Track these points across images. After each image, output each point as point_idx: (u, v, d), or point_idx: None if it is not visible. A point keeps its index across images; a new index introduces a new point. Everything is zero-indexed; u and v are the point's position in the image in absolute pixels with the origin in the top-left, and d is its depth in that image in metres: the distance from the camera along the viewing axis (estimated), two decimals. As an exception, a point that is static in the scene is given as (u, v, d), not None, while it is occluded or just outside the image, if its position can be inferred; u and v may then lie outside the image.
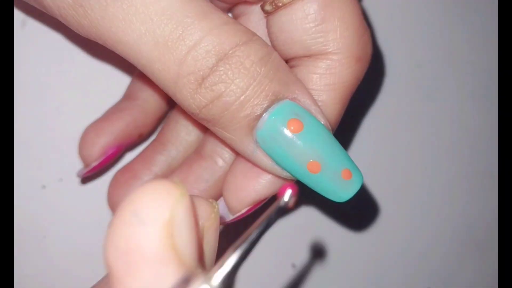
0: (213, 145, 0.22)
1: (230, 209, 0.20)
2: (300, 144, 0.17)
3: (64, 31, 0.26)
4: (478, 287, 0.33)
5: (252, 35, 0.17)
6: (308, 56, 0.19)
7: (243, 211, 0.20)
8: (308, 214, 0.30)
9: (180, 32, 0.16)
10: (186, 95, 0.17)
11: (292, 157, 0.17)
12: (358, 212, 0.31)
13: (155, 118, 0.25)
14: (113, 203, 0.24)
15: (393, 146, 0.31)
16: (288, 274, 0.30)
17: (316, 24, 0.18)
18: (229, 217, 0.20)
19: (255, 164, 0.19)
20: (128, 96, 0.25)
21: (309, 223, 0.30)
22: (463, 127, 0.32)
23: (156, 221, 0.11)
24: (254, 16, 0.21)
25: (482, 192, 0.33)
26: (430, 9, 0.31)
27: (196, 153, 0.23)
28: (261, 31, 0.20)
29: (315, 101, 0.18)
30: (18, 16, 0.25)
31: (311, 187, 0.18)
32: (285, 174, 0.18)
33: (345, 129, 0.28)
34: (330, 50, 0.18)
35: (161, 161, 0.24)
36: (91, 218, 0.27)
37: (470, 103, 0.32)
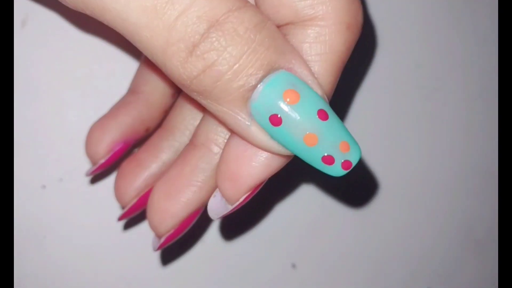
0: (206, 133, 0.21)
1: (227, 200, 0.19)
2: (296, 116, 0.16)
3: (64, 24, 0.26)
4: (478, 287, 0.33)
5: (246, 2, 0.16)
6: (297, 23, 0.18)
7: (241, 199, 0.19)
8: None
9: None
10: (176, 64, 0.16)
11: (288, 130, 0.16)
12: (353, 207, 0.31)
13: (161, 111, 0.24)
14: (120, 193, 0.23)
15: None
16: (288, 274, 0.30)
17: None
18: (228, 208, 0.19)
19: (249, 140, 0.17)
20: (132, 91, 0.24)
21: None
22: (463, 126, 0.32)
23: None
24: None
25: (482, 192, 0.33)
26: (430, 9, 0.31)
27: (190, 144, 0.22)
28: None
29: (311, 72, 0.17)
30: (18, 16, 0.25)
31: (308, 162, 0.17)
32: (280, 149, 0.17)
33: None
34: (318, 14, 0.17)
35: (168, 147, 0.23)
36: (91, 218, 0.27)
37: (470, 103, 0.32)
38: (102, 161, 0.23)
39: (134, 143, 0.24)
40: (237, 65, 0.16)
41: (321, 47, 0.18)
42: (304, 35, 0.18)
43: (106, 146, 0.23)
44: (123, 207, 0.23)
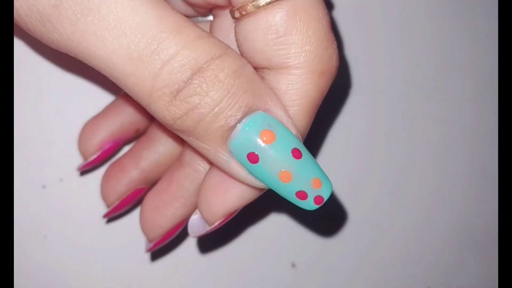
0: (192, 153, 0.23)
1: (205, 221, 0.21)
2: (272, 154, 0.17)
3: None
4: (478, 287, 0.33)
5: (226, 48, 0.17)
6: (271, 69, 0.19)
7: (217, 223, 0.20)
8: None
9: (155, 47, 0.16)
10: (161, 107, 0.17)
11: (265, 167, 0.18)
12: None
13: (150, 114, 0.25)
14: (105, 194, 0.25)
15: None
16: (288, 273, 0.30)
17: (278, 36, 0.18)
18: (206, 228, 0.21)
19: (228, 174, 0.19)
20: (124, 93, 0.25)
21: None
22: (463, 127, 0.32)
23: None
24: (228, 19, 0.21)
25: (482, 192, 0.33)
26: (429, 9, 0.31)
27: (177, 162, 0.24)
28: (233, 36, 0.20)
29: (287, 113, 0.18)
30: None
31: (283, 196, 0.18)
32: (258, 183, 0.18)
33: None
34: (291, 64, 0.18)
35: (148, 156, 0.25)
36: (91, 218, 0.27)
37: (470, 103, 0.32)
38: (92, 158, 0.25)
39: (124, 142, 0.26)
40: (217, 108, 0.17)
41: (294, 93, 0.19)
42: (279, 82, 0.19)
43: (96, 144, 0.25)
44: (107, 207, 0.25)
